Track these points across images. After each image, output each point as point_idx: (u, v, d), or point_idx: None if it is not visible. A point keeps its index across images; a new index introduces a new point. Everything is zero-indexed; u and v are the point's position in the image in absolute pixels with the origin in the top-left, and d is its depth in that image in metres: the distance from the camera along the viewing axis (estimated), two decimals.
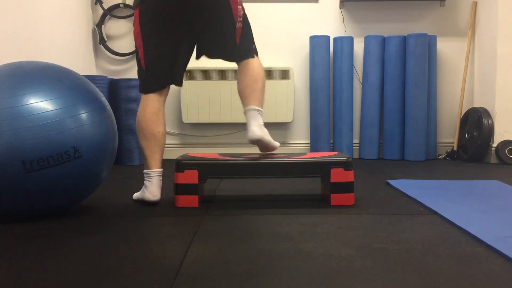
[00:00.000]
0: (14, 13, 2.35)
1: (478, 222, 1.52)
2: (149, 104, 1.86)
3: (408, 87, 3.37)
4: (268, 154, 1.95)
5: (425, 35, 3.32)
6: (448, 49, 3.55)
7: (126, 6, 3.50)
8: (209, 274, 1.08)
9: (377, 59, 3.42)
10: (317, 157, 1.88)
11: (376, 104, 3.43)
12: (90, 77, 2.94)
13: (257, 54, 1.94)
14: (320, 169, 1.83)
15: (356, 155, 3.56)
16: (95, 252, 1.26)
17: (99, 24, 3.46)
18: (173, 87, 2.45)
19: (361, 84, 3.54)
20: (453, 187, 2.18)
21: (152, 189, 1.85)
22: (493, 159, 3.25)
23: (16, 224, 1.57)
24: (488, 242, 1.29)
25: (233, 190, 2.21)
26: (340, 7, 3.54)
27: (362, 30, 3.55)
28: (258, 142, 1.81)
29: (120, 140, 3.14)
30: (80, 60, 3.22)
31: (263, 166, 1.83)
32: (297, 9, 3.54)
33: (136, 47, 1.90)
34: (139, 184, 2.19)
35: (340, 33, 3.54)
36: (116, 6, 3.49)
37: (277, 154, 2.01)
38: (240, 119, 3.37)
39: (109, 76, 3.48)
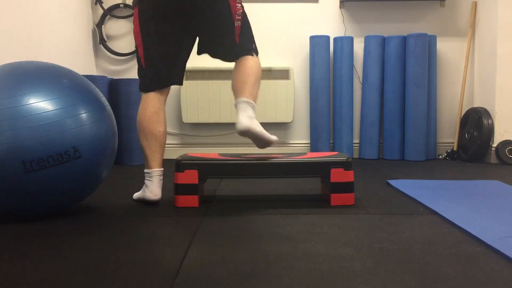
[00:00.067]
0: (14, 13, 2.35)
1: (478, 222, 1.52)
2: (150, 103, 1.86)
3: (408, 87, 3.37)
4: (268, 154, 1.95)
5: (425, 35, 3.32)
6: (448, 49, 3.55)
7: (126, 6, 3.50)
8: (209, 274, 1.08)
9: (377, 59, 3.42)
10: (317, 157, 1.88)
11: (376, 104, 3.43)
12: (90, 77, 2.94)
13: (257, 54, 1.93)
14: (320, 169, 1.83)
15: (356, 155, 3.56)
16: (95, 252, 1.26)
17: (99, 24, 3.46)
18: (173, 86, 2.45)
19: (361, 84, 3.54)
20: (453, 187, 2.18)
21: (153, 188, 1.85)
22: (493, 159, 3.25)
23: (16, 224, 1.57)
24: (488, 242, 1.29)
25: (233, 190, 2.21)
26: (340, 7, 3.54)
27: (362, 30, 3.55)
28: (247, 133, 1.73)
29: (120, 140, 3.14)
30: (80, 60, 3.22)
31: (263, 166, 1.83)
32: (297, 9, 3.54)
33: (136, 45, 1.90)
34: (139, 184, 2.19)
35: (340, 33, 3.54)
36: (116, 6, 3.49)
37: (277, 154, 2.01)
38: None
39: (109, 76, 3.48)
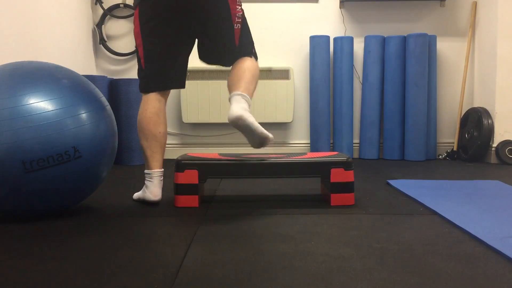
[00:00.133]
0: (14, 13, 2.35)
1: (478, 222, 1.52)
2: (150, 104, 1.86)
3: (408, 87, 3.37)
4: (268, 154, 1.95)
5: (425, 35, 3.32)
6: (448, 49, 3.55)
7: (126, 6, 3.50)
8: (209, 274, 1.08)
9: (377, 59, 3.42)
10: (317, 157, 1.88)
11: (376, 104, 3.43)
12: (90, 77, 2.94)
13: (256, 59, 1.91)
14: (320, 169, 1.83)
15: (356, 155, 3.56)
16: (95, 252, 1.26)
17: (99, 24, 3.46)
18: None
19: (361, 84, 3.53)
20: (453, 187, 2.18)
21: (153, 189, 1.84)
22: (493, 159, 3.25)
23: (16, 224, 1.57)
24: (488, 242, 1.29)
25: (233, 190, 2.21)
26: (340, 7, 3.54)
27: (362, 30, 3.55)
28: (239, 122, 1.63)
29: (120, 140, 3.14)
30: (80, 60, 3.22)
31: (263, 166, 1.83)
32: (297, 9, 3.54)
33: (136, 45, 1.90)
34: (139, 184, 2.19)
35: (340, 33, 3.54)
36: (116, 6, 3.49)
37: (277, 154, 2.01)
38: None
39: (109, 76, 3.48)
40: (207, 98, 3.43)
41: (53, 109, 1.51)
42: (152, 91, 1.87)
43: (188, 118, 3.46)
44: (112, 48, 3.50)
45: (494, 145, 3.23)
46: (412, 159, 3.36)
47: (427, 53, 3.34)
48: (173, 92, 3.42)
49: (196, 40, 1.95)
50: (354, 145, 3.54)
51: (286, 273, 1.09)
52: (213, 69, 3.40)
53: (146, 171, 1.88)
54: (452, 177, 2.57)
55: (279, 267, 1.13)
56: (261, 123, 1.76)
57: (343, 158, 1.84)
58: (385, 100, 3.44)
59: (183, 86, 1.97)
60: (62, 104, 1.54)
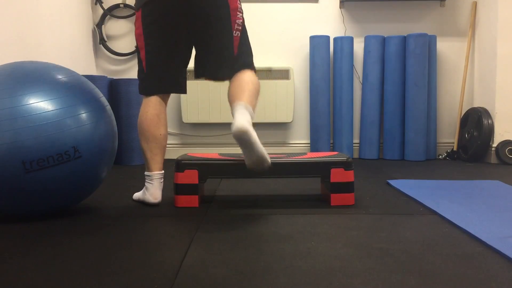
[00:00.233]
0: (14, 13, 2.35)
1: (478, 222, 1.52)
2: (151, 106, 1.85)
3: (408, 87, 3.37)
4: (268, 154, 1.94)
5: (425, 35, 3.32)
6: (448, 49, 3.55)
7: (126, 6, 3.50)
8: (209, 274, 1.08)
9: (377, 59, 3.42)
10: (317, 157, 1.88)
11: (376, 104, 3.43)
12: (90, 77, 2.94)
13: (255, 71, 1.85)
14: (320, 169, 1.83)
15: (356, 155, 3.56)
16: (95, 252, 1.26)
17: (99, 24, 3.46)
18: None
19: (361, 84, 3.54)
20: (453, 187, 2.18)
21: (153, 191, 1.84)
22: (493, 159, 3.25)
23: (16, 224, 1.57)
24: (488, 242, 1.29)
25: (233, 190, 2.21)
26: (340, 7, 3.54)
27: (362, 30, 3.55)
28: (243, 136, 1.53)
29: (120, 140, 3.14)
30: (80, 60, 3.22)
31: None
32: (297, 9, 3.54)
33: (138, 47, 1.89)
34: (139, 184, 2.19)
35: (340, 33, 3.54)
36: (116, 6, 3.49)
37: (277, 154, 2.01)
38: None
39: (109, 76, 3.48)
40: (207, 98, 3.43)
41: (53, 109, 1.51)
42: (153, 94, 1.86)
43: (188, 118, 3.46)
44: (112, 48, 3.50)
45: (494, 145, 3.23)
46: (412, 159, 3.36)
47: (427, 53, 3.34)
48: None
49: (194, 52, 1.90)
50: (354, 145, 3.55)
51: (286, 273, 1.09)
52: None
53: (146, 173, 1.87)
54: (452, 177, 2.57)
55: (279, 267, 1.13)
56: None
57: (343, 158, 1.84)
58: (385, 100, 3.44)
59: (184, 91, 1.93)
60: (62, 104, 1.54)
